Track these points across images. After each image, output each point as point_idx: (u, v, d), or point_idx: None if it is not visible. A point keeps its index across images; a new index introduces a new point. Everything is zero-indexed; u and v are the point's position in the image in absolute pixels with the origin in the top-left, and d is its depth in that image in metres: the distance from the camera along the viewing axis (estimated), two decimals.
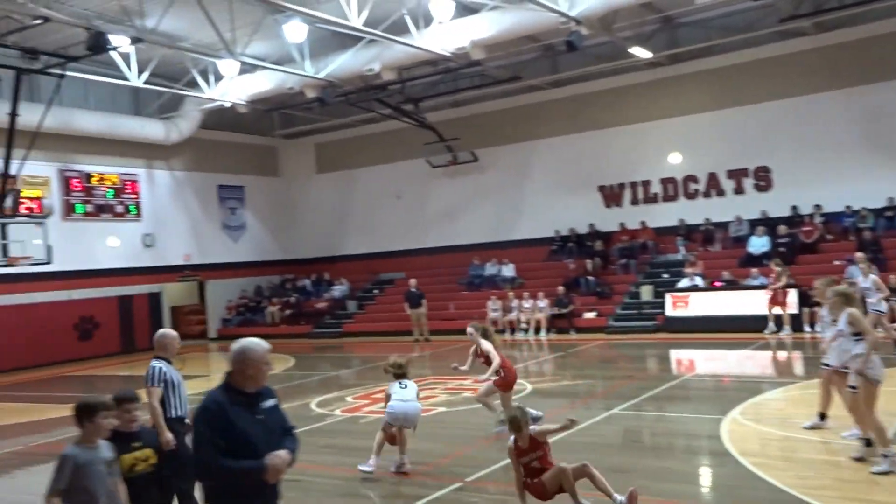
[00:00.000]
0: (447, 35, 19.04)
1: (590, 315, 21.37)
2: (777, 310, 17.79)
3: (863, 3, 18.89)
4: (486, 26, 18.81)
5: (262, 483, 3.97)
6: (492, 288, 24.00)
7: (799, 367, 14.48)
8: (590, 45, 21.67)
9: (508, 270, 24.57)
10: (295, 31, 19.03)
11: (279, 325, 26.64)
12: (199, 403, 4.10)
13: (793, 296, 18.09)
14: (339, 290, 27.48)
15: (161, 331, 6.86)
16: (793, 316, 17.77)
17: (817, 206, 21.09)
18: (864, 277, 13.88)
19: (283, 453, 4.01)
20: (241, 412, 4.02)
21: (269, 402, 4.19)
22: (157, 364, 6.49)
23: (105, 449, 4.69)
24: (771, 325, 17.75)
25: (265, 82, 22.51)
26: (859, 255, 16.80)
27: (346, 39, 21.00)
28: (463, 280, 25.22)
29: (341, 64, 20.94)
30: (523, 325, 21.62)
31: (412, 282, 23.10)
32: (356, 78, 22.24)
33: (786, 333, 17.50)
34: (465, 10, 19.24)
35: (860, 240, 19.15)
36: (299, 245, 31.01)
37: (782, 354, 15.88)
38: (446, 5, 18.10)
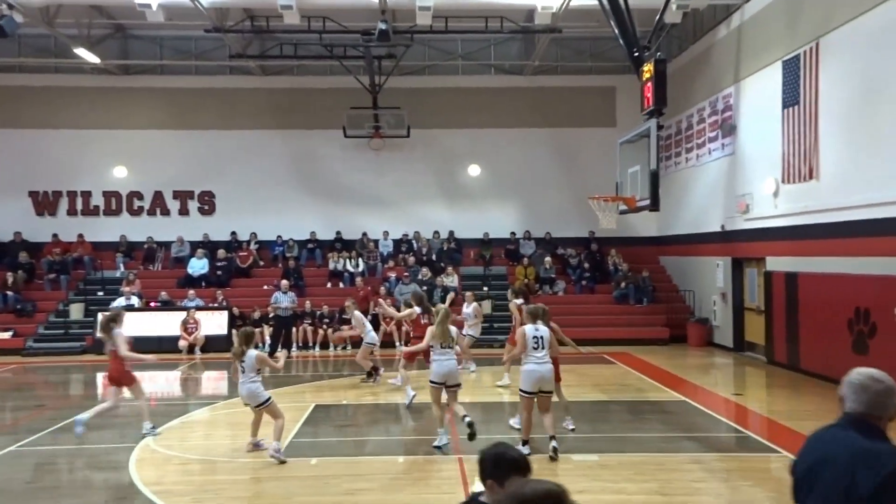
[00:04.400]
0: None
1: (4, 335, 18.88)
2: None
3: (297, 58, 21.30)
4: None
5: None
6: None
7: (224, 387, 15.21)
8: (30, 34, 19.52)
9: None
10: None
11: None
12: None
13: (223, 318, 19.12)
14: None
15: None
16: (224, 337, 18.78)
17: (253, 234, 22.78)
18: (468, 304, 15.30)
19: None
20: None
21: None
22: None
23: None
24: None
25: None
26: (284, 282, 18.75)
27: None
28: None
29: None
30: None
31: None
32: None
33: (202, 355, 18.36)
34: None
35: (286, 267, 21.30)
36: None
37: (211, 374, 16.53)
38: None
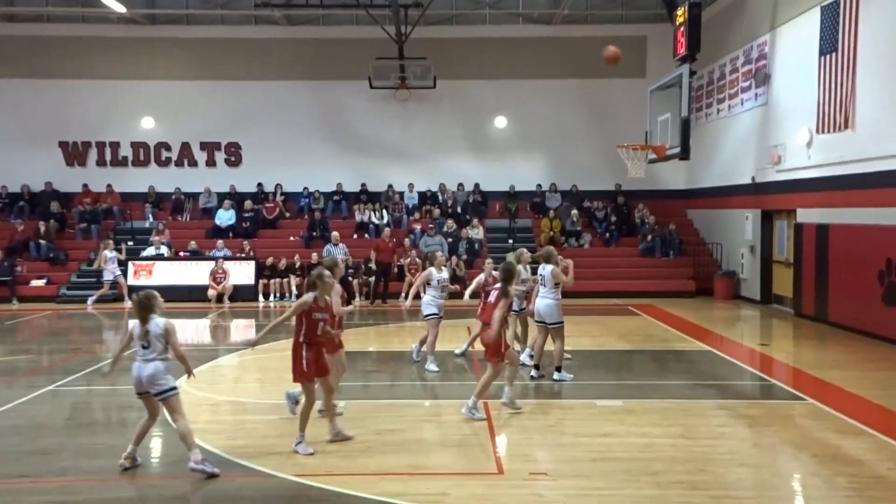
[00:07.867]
0: None
1: (38, 283, 19.32)
2: None
3: (322, 7, 21.05)
4: None
5: None
6: None
7: (252, 335, 15.42)
8: None
9: None
10: None
11: None
12: None
13: (251, 268, 19.35)
14: None
15: None
16: (251, 287, 19.06)
17: (279, 185, 22.86)
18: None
19: None
20: None
21: None
22: None
23: None
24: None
25: None
26: (335, 234, 18.63)
27: None
28: None
29: None
30: None
31: None
32: None
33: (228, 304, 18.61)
34: None
35: (312, 219, 21.40)
36: None
37: (239, 322, 16.79)
38: None
